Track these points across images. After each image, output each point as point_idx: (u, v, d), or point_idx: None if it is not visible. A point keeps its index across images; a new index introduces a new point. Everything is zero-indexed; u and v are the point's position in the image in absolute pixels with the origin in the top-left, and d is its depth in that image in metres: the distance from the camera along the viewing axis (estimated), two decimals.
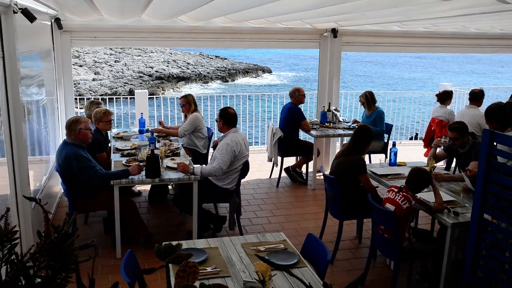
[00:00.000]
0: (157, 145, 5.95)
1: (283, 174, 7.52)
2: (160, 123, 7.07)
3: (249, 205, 6.59)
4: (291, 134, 7.23)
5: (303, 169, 7.60)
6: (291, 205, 6.64)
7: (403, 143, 10.13)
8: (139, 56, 37.73)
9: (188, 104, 6.66)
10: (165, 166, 5.23)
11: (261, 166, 8.21)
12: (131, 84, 30.12)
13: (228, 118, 5.32)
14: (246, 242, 3.51)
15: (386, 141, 7.56)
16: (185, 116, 6.77)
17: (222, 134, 5.42)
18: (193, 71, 36.01)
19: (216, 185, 5.28)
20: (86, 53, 35.90)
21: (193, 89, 31.91)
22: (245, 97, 10.32)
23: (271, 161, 7.46)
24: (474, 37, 8.41)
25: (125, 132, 6.86)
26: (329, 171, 5.42)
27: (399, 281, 4.43)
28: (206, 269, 3.05)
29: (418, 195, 4.19)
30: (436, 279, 4.27)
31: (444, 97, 7.63)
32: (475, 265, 3.21)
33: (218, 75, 36.74)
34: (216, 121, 5.47)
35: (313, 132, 7.19)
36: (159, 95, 25.32)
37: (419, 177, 4.16)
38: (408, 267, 4.68)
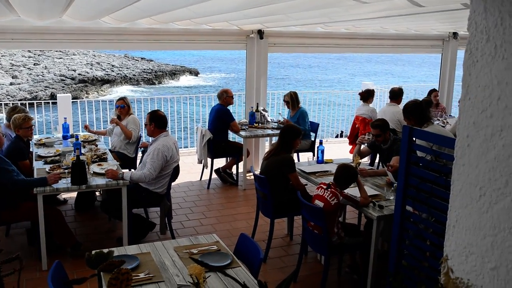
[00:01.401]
0: (83, 150, 5.76)
1: (214, 175, 7.51)
2: (86, 127, 6.86)
3: (180, 208, 6.53)
4: (220, 136, 7.23)
5: (233, 169, 7.64)
6: (223, 206, 6.65)
7: (330, 141, 10.43)
8: (60, 58, 36.22)
9: (127, 106, 6.53)
10: (92, 172, 5.07)
11: (192, 169, 8.15)
12: (53, 88, 28.84)
13: (159, 121, 5.24)
14: (178, 246, 3.48)
15: (313, 139, 7.76)
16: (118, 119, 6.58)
17: (152, 138, 5.33)
18: (118, 74, 35.07)
19: (146, 189, 5.18)
20: (2, 56, 33.98)
21: (119, 92, 31.06)
22: (172, 100, 10.21)
23: (201, 163, 7.43)
24: (393, 38, 8.83)
25: (47, 138, 6.57)
26: (259, 171, 5.49)
27: (330, 275, 4.58)
28: (139, 275, 3.00)
29: (345, 191, 4.34)
30: (364, 271, 4.44)
31: (367, 96, 7.95)
32: (399, 254, 3.38)
33: (144, 77, 36.02)
34: (146, 125, 5.35)
35: (242, 132, 7.24)
36: (82, 98, 24.42)
37: (346, 173, 4.31)
38: (338, 261, 4.84)
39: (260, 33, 7.64)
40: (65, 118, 6.67)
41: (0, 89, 27.23)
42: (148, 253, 3.35)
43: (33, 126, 5.69)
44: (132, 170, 5.57)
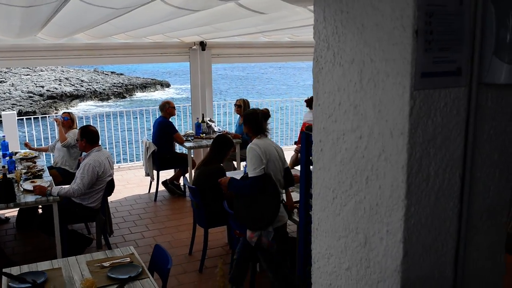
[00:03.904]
0: (19, 168, 5.72)
1: (161, 187, 7.50)
2: (26, 144, 6.82)
3: (124, 221, 6.50)
4: (164, 148, 7.21)
5: (181, 181, 7.64)
6: (167, 218, 6.64)
7: (286, 148, 10.48)
8: (27, 75, 35.74)
9: (71, 120, 6.52)
10: (22, 189, 5.04)
11: (141, 182, 8.12)
12: (20, 105, 28.48)
13: (91, 136, 5.26)
14: (91, 260, 3.50)
15: None
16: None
17: (85, 153, 5.35)
18: (87, 89, 34.78)
19: (80, 205, 5.17)
20: None
21: (89, 107, 30.81)
22: (135, 112, 10.26)
23: (148, 176, 7.42)
24: None
25: None
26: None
27: (264, 282, 4.63)
28: None
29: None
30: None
31: (312, 102, 8.05)
32: (306, 257, 3.45)
33: (115, 91, 35.76)
34: (77, 140, 5.38)
35: (186, 143, 7.25)
36: (51, 114, 24.12)
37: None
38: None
39: (202, 44, 7.70)
40: (3, 136, 6.61)
41: None
42: (59, 268, 3.36)
43: None
44: (62, 186, 5.48)
